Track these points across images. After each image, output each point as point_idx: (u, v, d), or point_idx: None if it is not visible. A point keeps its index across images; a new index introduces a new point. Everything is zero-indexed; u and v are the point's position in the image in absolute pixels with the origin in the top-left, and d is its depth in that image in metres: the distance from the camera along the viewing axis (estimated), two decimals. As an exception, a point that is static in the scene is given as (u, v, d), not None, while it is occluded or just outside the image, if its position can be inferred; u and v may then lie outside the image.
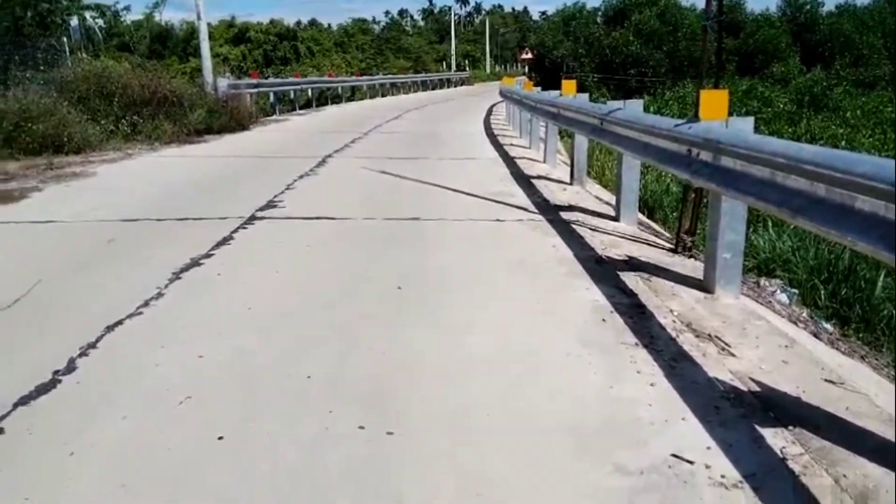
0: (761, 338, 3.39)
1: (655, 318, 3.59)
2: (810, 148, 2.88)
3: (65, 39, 14.73)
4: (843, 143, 15.89)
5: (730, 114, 4.05)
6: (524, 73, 37.35)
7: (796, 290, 5.10)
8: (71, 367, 2.98)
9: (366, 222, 5.82)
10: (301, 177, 8.03)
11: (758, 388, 2.81)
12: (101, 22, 19.74)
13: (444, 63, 55.94)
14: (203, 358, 3.10)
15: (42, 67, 12.92)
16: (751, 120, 3.81)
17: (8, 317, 3.63)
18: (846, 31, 35.57)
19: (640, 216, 6.37)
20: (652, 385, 2.83)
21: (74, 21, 16.20)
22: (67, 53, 14.19)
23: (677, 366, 3.02)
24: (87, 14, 16.61)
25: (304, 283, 4.24)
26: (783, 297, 4.80)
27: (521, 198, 6.86)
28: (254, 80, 18.46)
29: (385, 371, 2.99)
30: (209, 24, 16.93)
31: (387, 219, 5.92)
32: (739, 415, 2.60)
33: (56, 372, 2.92)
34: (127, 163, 9.39)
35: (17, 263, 4.65)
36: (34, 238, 5.40)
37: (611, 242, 5.13)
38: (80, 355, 3.10)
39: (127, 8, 24.62)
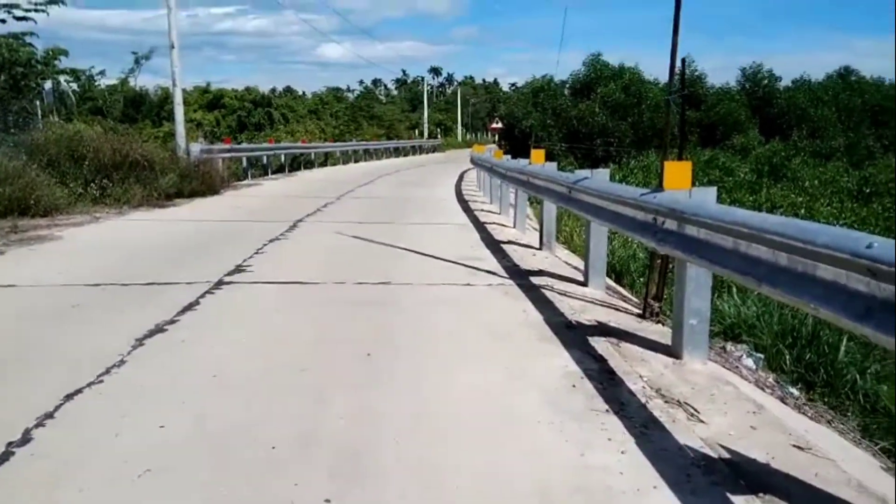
0: (729, 403, 3.41)
1: (625, 384, 3.59)
2: (773, 218, 2.98)
3: (38, 102, 14.75)
4: (803, 211, 16.44)
5: (693, 183, 4.18)
6: (494, 142, 38.28)
7: (762, 355, 5.16)
8: (26, 439, 2.86)
9: (335, 287, 5.80)
10: (271, 241, 8.01)
11: (728, 455, 2.81)
12: (74, 86, 19.82)
13: (417, 131, 57.11)
14: (164, 428, 3.00)
15: (13, 130, 12.87)
16: (713, 190, 3.94)
17: (-39, 385, 3.50)
18: (802, 104, 37.37)
19: (609, 281, 6.46)
20: (623, 452, 2.81)
21: (48, 84, 16.26)
22: (40, 116, 14.19)
23: (648, 433, 3.01)
24: (62, 78, 16.67)
25: (271, 349, 4.17)
26: (749, 362, 4.85)
27: (491, 262, 6.92)
28: (227, 146, 18.58)
29: (353, 438, 2.93)
30: (184, 90, 17.10)
31: (357, 283, 5.90)
32: (710, 482, 2.59)
33: (10, 444, 2.80)
34: (94, 226, 9.27)
35: (-27, 329, 4.51)
36: (-6, 302, 5.26)
37: (580, 307, 5.17)
38: (37, 426, 2.98)
39: (102, 72, 24.73)
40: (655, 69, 40.68)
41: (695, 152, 26.42)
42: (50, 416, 3.09)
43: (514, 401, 3.37)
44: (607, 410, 3.24)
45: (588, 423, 3.10)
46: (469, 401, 3.36)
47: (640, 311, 5.16)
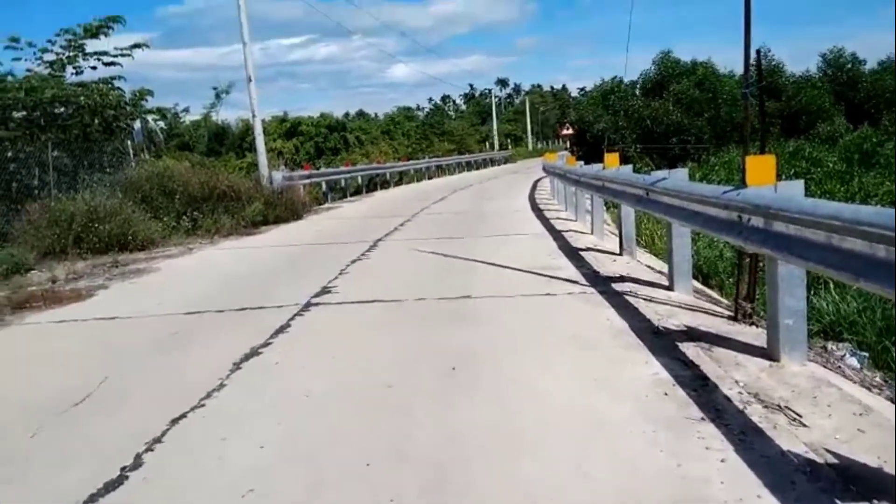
0: (834, 406, 3.25)
1: (720, 390, 3.48)
2: (866, 209, 2.84)
3: (128, 142, 15.70)
4: (901, 198, 15.39)
5: (778, 177, 4.02)
6: (566, 148, 37.84)
7: (866, 354, 4.88)
8: (138, 463, 3.04)
9: (418, 303, 5.88)
10: (353, 261, 8.21)
11: (835, 460, 2.67)
12: (161, 124, 20.99)
13: (487, 143, 57.22)
14: (264, 448, 3.12)
15: (108, 170, 13.75)
16: (800, 183, 3.78)
17: (79, 413, 3.75)
18: (890, 86, 35.13)
19: (696, 283, 6.27)
20: (722, 461, 2.72)
21: (137, 124, 17.28)
22: (131, 155, 15.09)
23: (747, 440, 2.90)
24: (150, 117, 17.68)
25: (360, 366, 4.27)
26: (853, 362, 4.60)
27: (570, 271, 6.84)
28: (306, 172, 19.22)
29: (445, 452, 2.96)
30: (263, 121, 17.84)
31: (438, 298, 5.97)
32: (818, 489, 2.47)
33: (123, 468, 2.98)
34: (188, 257, 9.78)
35: (86, 360, 4.83)
36: (103, 334, 5.62)
37: (667, 312, 5.04)
38: (147, 450, 3.16)
39: (186, 109, 26.12)
40: (729, 62, 39.27)
41: (778, 144, 25.24)
42: (158, 440, 3.28)
43: (604, 411, 3.31)
44: (703, 418, 3.14)
45: (683, 431, 3.02)
46: (557, 412, 3.34)
47: (731, 314, 4.98)
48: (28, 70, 13.65)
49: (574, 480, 2.67)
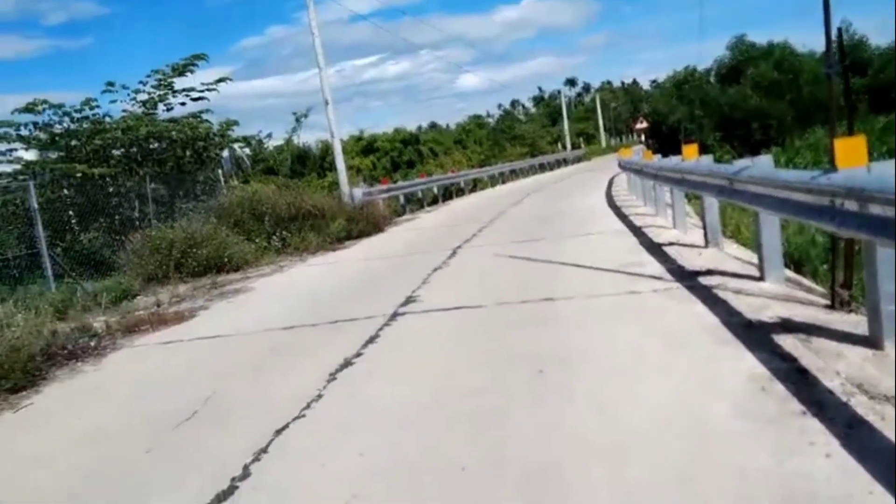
0: (949, 392, 3.08)
1: (821, 383, 3.35)
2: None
3: (219, 170, 16.53)
4: None
5: (869, 155, 3.85)
6: (640, 142, 37.02)
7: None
8: (246, 474, 3.23)
9: (500, 308, 5.93)
10: (435, 270, 8.35)
11: (952, 451, 2.55)
12: (247, 150, 21.93)
13: (559, 143, 56.64)
14: (363, 456, 3.25)
15: (202, 197, 14.55)
16: (893, 162, 3.60)
17: (189, 427, 4.01)
18: None
19: (788, 272, 6.03)
20: (828, 456, 2.64)
21: (226, 153, 18.15)
22: (222, 182, 15.89)
23: (853, 433, 2.79)
24: (236, 145, 18.55)
25: (449, 373, 4.37)
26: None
27: (654, 267, 6.72)
28: (384, 186, 19.68)
29: (540, 457, 2.99)
30: (341, 140, 18.40)
31: (520, 301, 6.00)
32: (934, 482, 2.36)
33: (233, 479, 3.18)
34: (280, 275, 10.21)
35: (192, 377, 5.15)
36: (206, 352, 5.97)
37: (759, 304, 4.89)
38: (254, 461, 3.35)
39: (269, 135, 27.26)
40: (808, 40, 37.46)
41: (866, 121, 23.79)
42: (264, 450, 3.47)
43: (700, 409, 3.26)
44: (804, 412, 3.04)
45: (784, 427, 2.93)
46: (652, 412, 3.31)
47: (827, 302, 4.78)
48: (124, 111, 14.69)
49: (677, 484, 2.64)
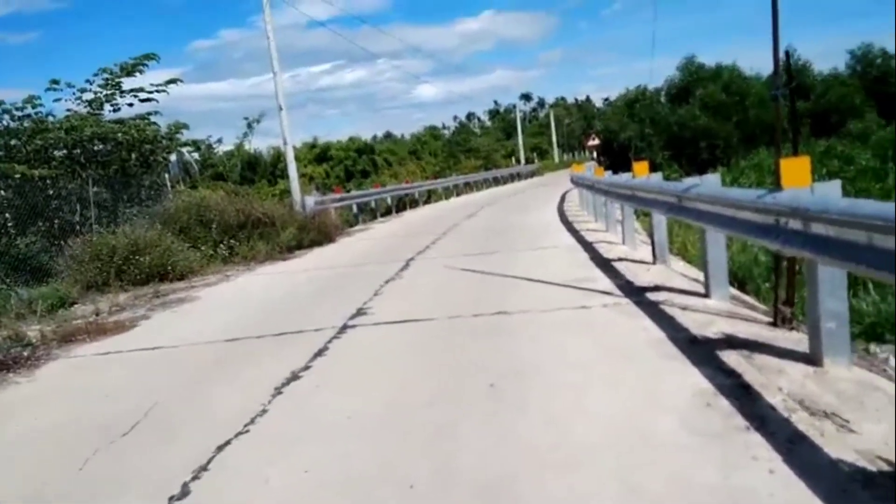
0: (882, 410, 3.17)
1: (764, 398, 3.42)
2: (908, 207, 2.78)
3: (165, 175, 16.08)
4: (942, 192, 15.00)
5: (812, 175, 3.97)
6: (592, 159, 37.72)
7: (913, 355, 4.76)
8: (185, 492, 3.10)
9: (453, 321, 5.90)
10: (387, 282, 8.27)
11: (888, 468, 2.61)
12: (196, 155, 21.45)
13: (513, 157, 57.23)
14: (309, 472, 3.16)
15: (147, 202, 14.10)
16: (837, 183, 3.72)
17: (127, 442, 3.84)
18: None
19: (733, 290, 6.17)
20: (771, 472, 2.68)
21: (173, 157, 17.69)
22: (168, 187, 15.45)
23: (795, 448, 2.85)
24: (185, 149, 18.10)
25: (399, 387, 4.30)
26: (900, 363, 4.48)
27: (604, 282, 6.80)
28: (338, 195, 19.48)
29: (489, 472, 2.96)
30: (294, 147, 18.15)
31: (473, 315, 5.98)
32: (873, 497, 2.41)
33: (171, 498, 3.04)
34: (226, 284, 9.95)
35: (132, 390, 4.94)
36: (147, 364, 5.75)
37: (704, 321, 4.98)
38: (193, 479, 3.22)
39: (219, 140, 26.68)
40: (755, 64, 38.83)
41: (808, 144, 24.79)
42: (204, 468, 3.33)
43: (648, 423, 3.28)
44: (748, 427, 3.09)
45: (729, 442, 2.98)
46: (600, 426, 3.32)
47: (770, 320, 4.90)
48: (68, 110, 14.12)
49: (623, 495, 2.65)
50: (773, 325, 4.76)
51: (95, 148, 13.83)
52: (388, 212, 22.75)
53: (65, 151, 13.61)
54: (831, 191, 3.64)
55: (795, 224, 3.75)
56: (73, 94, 14.15)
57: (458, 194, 31.25)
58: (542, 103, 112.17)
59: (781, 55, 4.58)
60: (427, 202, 27.23)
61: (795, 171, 3.87)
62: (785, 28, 4.40)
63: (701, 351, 4.27)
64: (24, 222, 12.04)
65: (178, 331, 6.84)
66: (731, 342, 4.39)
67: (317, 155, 32.97)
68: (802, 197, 3.67)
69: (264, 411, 4.05)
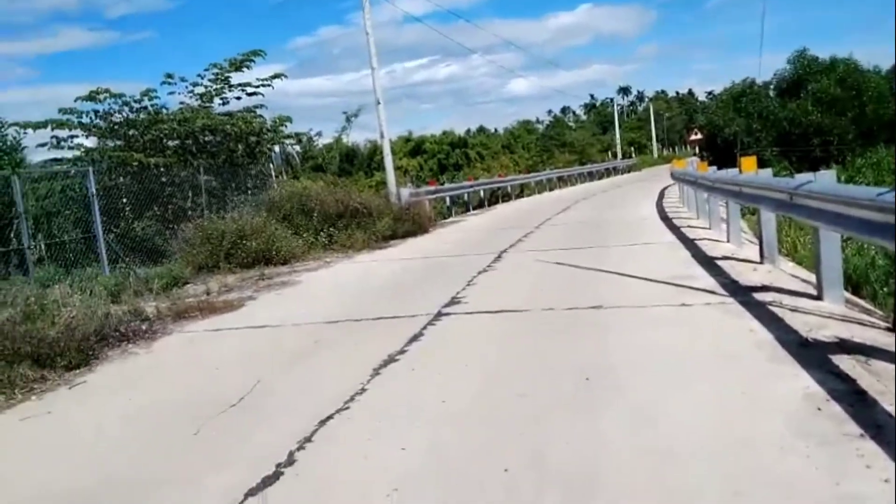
0: None
1: (880, 405, 3.22)
2: None
3: (270, 165, 16.83)
4: None
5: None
6: (694, 154, 36.32)
7: None
8: (291, 460, 3.26)
9: (546, 313, 5.88)
10: (480, 272, 8.33)
11: None
12: (298, 147, 22.31)
13: (610, 152, 56.03)
14: (405, 451, 3.26)
15: (252, 191, 14.82)
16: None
17: (235, 414, 4.08)
18: None
19: (846, 293, 5.83)
20: (886, 481, 2.53)
21: (277, 149, 18.48)
22: (272, 177, 16.17)
23: (914, 459, 2.68)
24: (287, 142, 18.86)
25: (492, 375, 4.35)
26: None
27: (706, 280, 6.57)
28: (432, 188, 19.76)
29: (583, 467, 2.95)
30: (389, 141, 18.54)
31: (567, 308, 5.93)
32: None
33: (278, 465, 3.21)
34: (326, 270, 10.33)
35: (240, 364, 5.24)
36: (253, 341, 6.07)
37: (816, 323, 4.73)
38: (298, 449, 3.39)
39: (319, 133, 27.76)
40: (873, 58, 36.17)
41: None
42: (308, 439, 3.50)
43: (753, 427, 3.16)
44: (861, 435, 2.93)
45: (840, 448, 2.83)
46: (702, 427, 3.23)
47: (888, 325, 4.60)
48: (181, 103, 15.06)
49: (727, 499, 2.57)
50: (892, 330, 4.47)
51: (205, 139, 14.67)
52: (480, 205, 22.85)
53: (177, 141, 14.52)
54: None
55: (922, 223, 3.51)
56: (186, 87, 15.08)
57: (550, 189, 30.96)
58: (640, 97, 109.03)
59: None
60: (520, 196, 27.14)
61: (925, 167, 3.61)
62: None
63: (812, 354, 4.06)
64: (141, 207, 12.93)
65: (282, 311, 7.17)
66: (846, 346, 4.16)
67: (412, 148, 33.50)
68: (931, 194, 3.43)
69: (363, 390, 4.20)
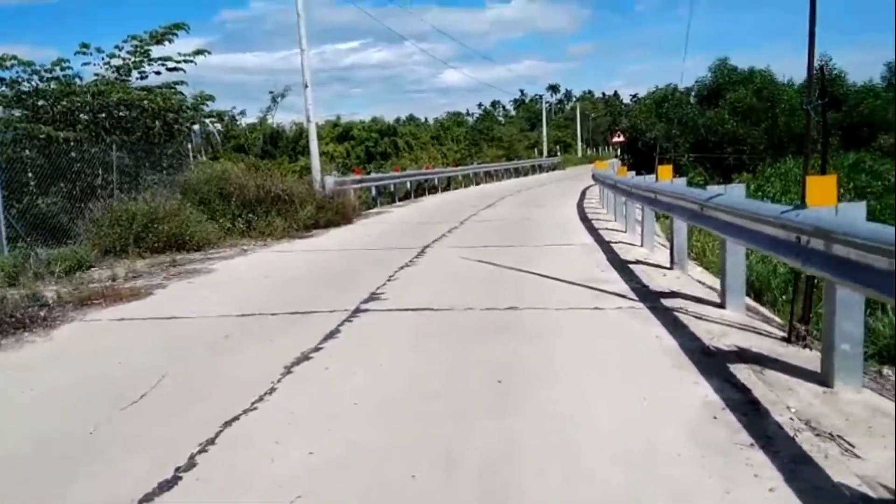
0: (889, 437, 3.15)
1: (771, 416, 3.41)
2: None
3: (188, 145, 16.17)
4: (972, 216, 14.72)
5: (838, 190, 3.93)
6: (616, 156, 37.43)
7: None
8: (191, 464, 3.15)
9: (465, 313, 5.91)
10: (402, 268, 8.30)
11: (889, 495, 2.60)
12: (219, 126, 21.52)
13: (536, 149, 56.97)
14: (313, 454, 3.20)
15: (168, 171, 14.21)
16: (862, 205, 3.68)
17: (135, 412, 3.90)
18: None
19: (749, 301, 6.13)
20: (771, 490, 2.68)
21: (196, 127, 17.77)
22: (190, 157, 15.53)
23: (798, 469, 2.84)
24: (208, 120, 18.17)
25: (407, 375, 4.33)
26: (913, 388, 4.44)
27: (619, 284, 6.78)
28: (357, 177, 19.52)
29: (493, 469, 2.98)
30: (316, 125, 18.16)
31: (485, 308, 5.99)
32: (873, 526, 2.41)
33: (177, 469, 3.09)
34: (242, 259, 10.03)
35: (143, 358, 5.01)
36: (160, 333, 5.83)
37: (718, 332, 4.96)
38: (200, 451, 3.27)
39: (242, 112, 26.92)
40: (789, 69, 38.21)
41: (837, 156, 24.44)
42: (212, 441, 3.38)
43: (653, 432, 3.29)
44: (752, 444, 3.09)
45: (732, 457, 2.98)
46: (605, 431, 3.33)
47: (784, 335, 4.86)
48: (96, 74, 14.22)
49: (623, 502, 2.66)
50: (787, 341, 4.73)
51: (121, 114, 13.94)
52: (406, 196, 22.78)
53: (90, 115, 13.73)
54: (856, 212, 3.60)
55: (818, 244, 3.71)
56: (102, 59, 14.27)
57: (478, 183, 31.20)
58: (568, 96, 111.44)
59: (816, 69, 4.52)
60: (447, 189, 27.22)
61: (822, 190, 3.83)
62: (820, 34, 4.33)
63: (713, 363, 4.25)
64: (47, 183, 12.18)
65: (193, 302, 6.92)
66: (744, 356, 4.38)
67: (339, 134, 33.04)
68: (826, 217, 3.63)
69: (273, 389, 4.10)
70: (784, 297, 7.29)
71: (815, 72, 4.58)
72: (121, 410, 3.89)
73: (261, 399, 3.94)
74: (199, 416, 3.74)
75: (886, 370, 4.70)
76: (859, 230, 3.24)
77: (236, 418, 3.66)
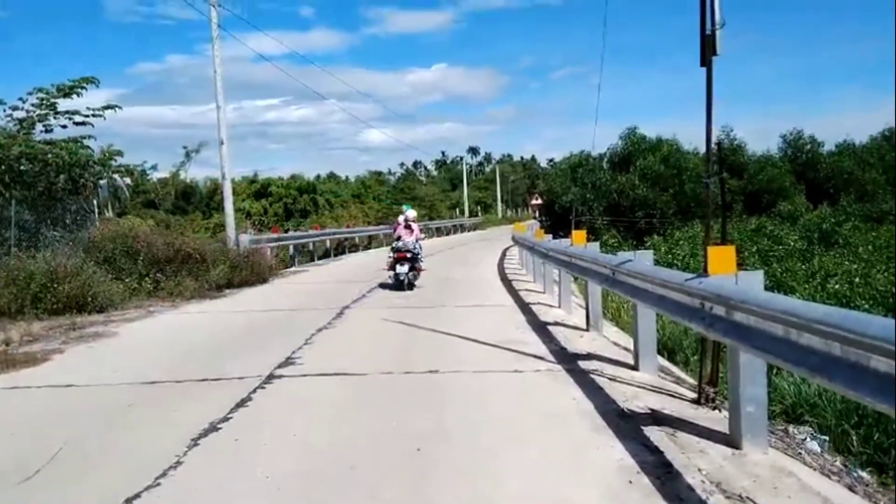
0: (794, 497, 3.27)
1: (684, 478, 3.48)
2: (821, 308, 2.92)
3: (94, 200, 15.47)
4: (858, 279, 15.90)
5: (741, 252, 4.15)
6: (535, 217, 38.51)
7: (826, 437, 4.95)
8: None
9: (383, 377, 5.81)
10: (319, 330, 8.12)
11: (798, 559, 2.67)
12: (128, 180, 20.77)
13: (457, 209, 57.95)
14: (219, 535, 3.01)
15: (71, 227, 13.51)
16: (759, 274, 3.90)
17: (28, 489, 3.59)
18: (848, 168, 36.93)
19: (661, 360, 6.33)
20: (686, 556, 2.70)
21: (104, 181, 17.08)
22: (96, 213, 14.85)
23: (711, 533, 2.89)
24: (116, 175, 17.51)
25: (323, 446, 4.18)
26: (814, 446, 4.66)
27: (538, 346, 6.86)
28: (274, 235, 19.18)
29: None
30: (232, 180, 17.85)
31: (405, 372, 5.92)
32: (782, 591, 2.45)
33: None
34: (148, 321, 9.55)
35: (40, 430, 4.64)
36: (57, 402, 5.42)
37: (632, 394, 5.07)
38: (96, 535, 3.02)
39: (154, 166, 26.06)
40: (694, 137, 40.82)
41: (740, 220, 26.09)
42: (109, 522, 3.13)
43: (571, 497, 3.28)
44: (667, 509, 3.13)
45: (647, 523, 3.00)
46: (524, 497, 3.31)
47: (695, 396, 5.02)
48: (-3, 126, 13.54)
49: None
50: (697, 402, 4.88)
51: (22, 167, 13.26)
52: (326, 254, 22.53)
53: (-11, 169, 12.98)
54: (754, 281, 3.80)
55: (719, 310, 3.89)
56: (4, 110, 13.64)
57: (398, 242, 31.24)
58: (488, 158, 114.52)
59: (714, 145, 4.83)
60: (368, 248, 27.11)
61: (722, 259, 4.04)
62: (721, 105, 4.65)
63: (627, 425, 4.32)
64: (-63, 239, 11.36)
65: (93, 369, 6.51)
66: (657, 417, 4.48)
67: (256, 190, 32.59)
68: (726, 284, 3.82)
69: (179, 464, 3.86)
70: (695, 356, 7.56)
71: (713, 147, 4.89)
72: (11, 488, 3.59)
73: (164, 474, 3.69)
74: (98, 493, 3.48)
75: (792, 429, 4.93)
76: (757, 298, 3.42)
77: (137, 496, 3.42)
